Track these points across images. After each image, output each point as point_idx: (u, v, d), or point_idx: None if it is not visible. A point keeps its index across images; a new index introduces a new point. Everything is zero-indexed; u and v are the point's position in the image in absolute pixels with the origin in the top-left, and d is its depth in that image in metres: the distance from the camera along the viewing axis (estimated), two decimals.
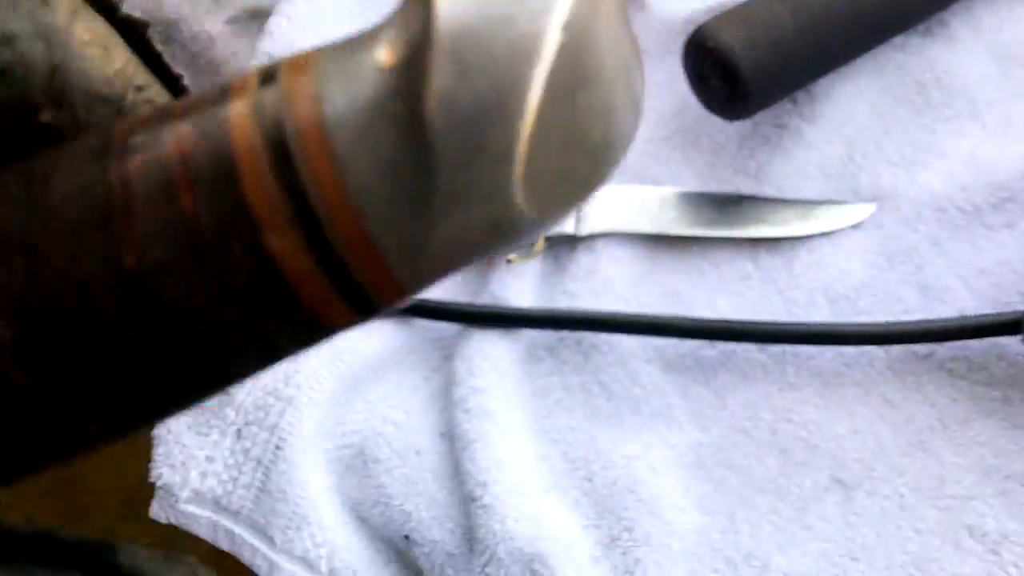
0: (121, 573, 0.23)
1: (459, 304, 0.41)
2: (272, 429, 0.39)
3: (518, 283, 0.41)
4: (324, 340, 0.19)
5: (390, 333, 0.41)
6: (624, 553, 0.38)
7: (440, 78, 0.16)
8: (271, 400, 0.39)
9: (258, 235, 0.17)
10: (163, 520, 0.40)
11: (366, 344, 0.41)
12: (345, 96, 0.17)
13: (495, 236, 0.18)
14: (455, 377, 0.40)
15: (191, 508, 0.40)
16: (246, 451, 0.39)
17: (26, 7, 0.19)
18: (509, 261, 0.41)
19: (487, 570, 0.37)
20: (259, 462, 0.39)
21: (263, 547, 0.39)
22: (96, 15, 0.21)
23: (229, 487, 0.39)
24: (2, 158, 0.19)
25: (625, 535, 0.38)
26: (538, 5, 0.17)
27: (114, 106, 0.20)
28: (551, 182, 0.18)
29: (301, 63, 0.18)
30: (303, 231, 0.17)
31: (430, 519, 0.39)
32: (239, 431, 0.39)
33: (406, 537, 0.39)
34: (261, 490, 0.39)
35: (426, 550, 0.39)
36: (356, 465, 0.40)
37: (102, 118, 0.20)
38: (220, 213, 0.17)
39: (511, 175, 0.17)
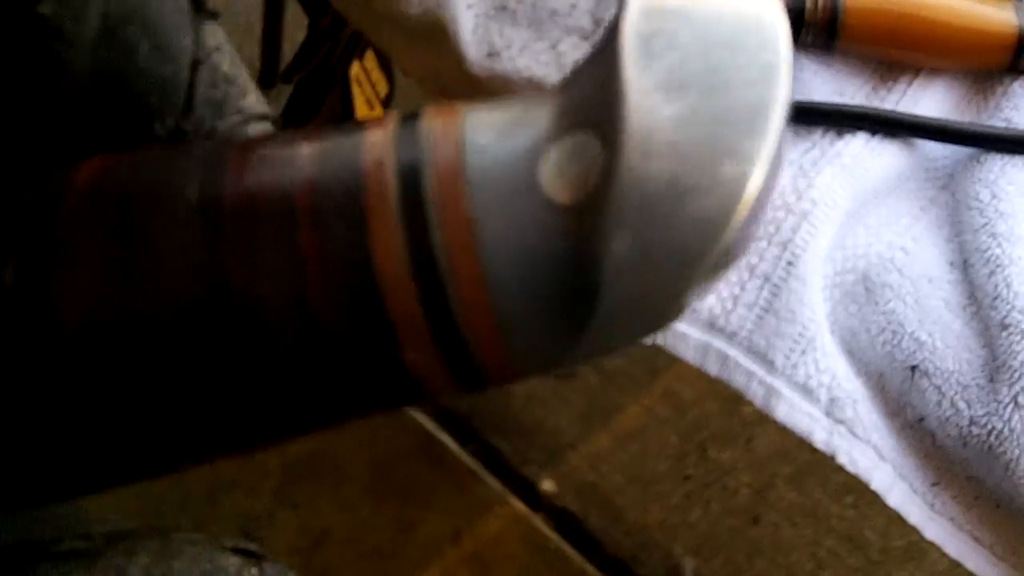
0: None
1: (979, 126, 0.38)
2: (784, 244, 0.37)
3: None
4: (406, 403, 0.19)
5: (894, 155, 0.38)
6: None
7: (619, 246, 0.16)
8: (781, 214, 0.37)
9: (382, 313, 0.17)
10: (648, 341, 0.37)
11: (874, 164, 0.38)
12: (505, 233, 0.16)
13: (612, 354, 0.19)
14: (973, 202, 0.37)
15: (682, 327, 0.37)
16: (751, 267, 0.37)
17: None
18: None
19: (1019, 399, 0.35)
20: (766, 279, 0.37)
21: (760, 371, 0.37)
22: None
23: (728, 305, 0.37)
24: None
25: None
26: (732, 183, 0.15)
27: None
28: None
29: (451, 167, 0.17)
30: (440, 344, 0.17)
31: (944, 348, 0.37)
32: None
33: (912, 368, 0.37)
34: (766, 310, 0.37)
35: (937, 382, 0.36)
36: (857, 291, 0.38)
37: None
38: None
39: (658, 326, 0.18)
